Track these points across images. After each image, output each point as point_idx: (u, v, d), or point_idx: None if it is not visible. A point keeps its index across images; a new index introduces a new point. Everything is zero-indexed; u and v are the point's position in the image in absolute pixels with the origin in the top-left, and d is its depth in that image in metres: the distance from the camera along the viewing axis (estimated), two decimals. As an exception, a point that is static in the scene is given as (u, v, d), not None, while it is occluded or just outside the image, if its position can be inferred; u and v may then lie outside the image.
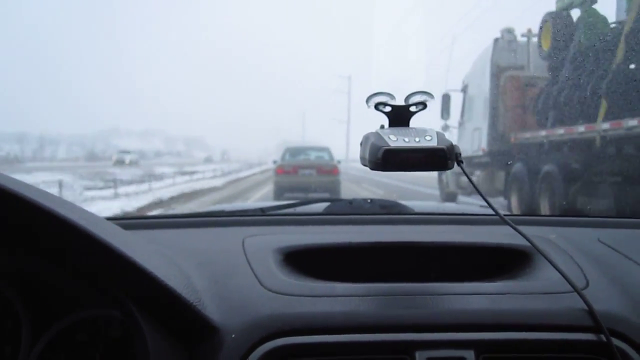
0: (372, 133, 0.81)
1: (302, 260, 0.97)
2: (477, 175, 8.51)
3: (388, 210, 1.43)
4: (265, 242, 1.03)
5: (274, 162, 12.12)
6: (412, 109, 0.83)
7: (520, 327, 0.79)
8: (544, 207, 6.31)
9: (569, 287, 0.82)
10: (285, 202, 1.50)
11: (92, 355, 0.83)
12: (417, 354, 0.75)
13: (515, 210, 7.01)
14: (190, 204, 11.45)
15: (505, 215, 0.90)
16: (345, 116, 52.75)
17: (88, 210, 0.73)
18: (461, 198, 9.27)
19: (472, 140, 8.71)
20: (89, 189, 13.97)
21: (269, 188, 13.04)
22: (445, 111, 9.47)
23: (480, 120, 8.45)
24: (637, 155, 5.47)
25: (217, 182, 17.34)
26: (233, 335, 0.76)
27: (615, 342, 0.77)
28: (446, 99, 9.50)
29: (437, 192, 10.53)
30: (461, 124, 9.54)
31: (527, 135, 7.39)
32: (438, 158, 0.76)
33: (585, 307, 0.80)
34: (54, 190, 8.94)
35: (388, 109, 0.82)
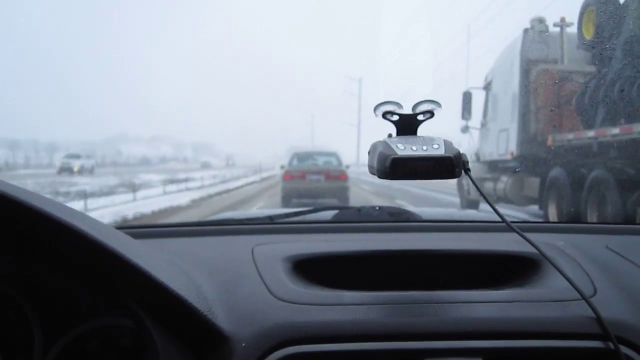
0: (379, 142, 0.81)
1: (311, 269, 0.98)
2: (504, 182, 7.59)
3: (396, 218, 1.44)
4: (275, 251, 1.04)
5: (282, 167, 12.12)
6: (420, 117, 0.83)
7: (528, 334, 0.80)
8: (592, 217, 5.55)
9: (577, 295, 0.82)
10: (294, 209, 1.51)
11: None
12: None
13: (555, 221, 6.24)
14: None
15: (512, 222, 0.90)
16: (356, 120, 52.23)
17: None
18: (483, 206, 8.41)
19: (497, 142, 7.82)
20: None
21: (258, 205, 11.64)
22: (466, 111, 8.48)
23: (507, 121, 7.44)
24: None
25: (185, 200, 13.02)
26: (243, 344, 0.77)
27: (624, 349, 0.77)
28: (467, 97, 8.45)
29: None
30: (484, 124, 8.63)
31: (570, 136, 6.20)
32: (445, 166, 0.77)
33: (593, 315, 0.80)
34: None
35: (395, 117, 0.83)
